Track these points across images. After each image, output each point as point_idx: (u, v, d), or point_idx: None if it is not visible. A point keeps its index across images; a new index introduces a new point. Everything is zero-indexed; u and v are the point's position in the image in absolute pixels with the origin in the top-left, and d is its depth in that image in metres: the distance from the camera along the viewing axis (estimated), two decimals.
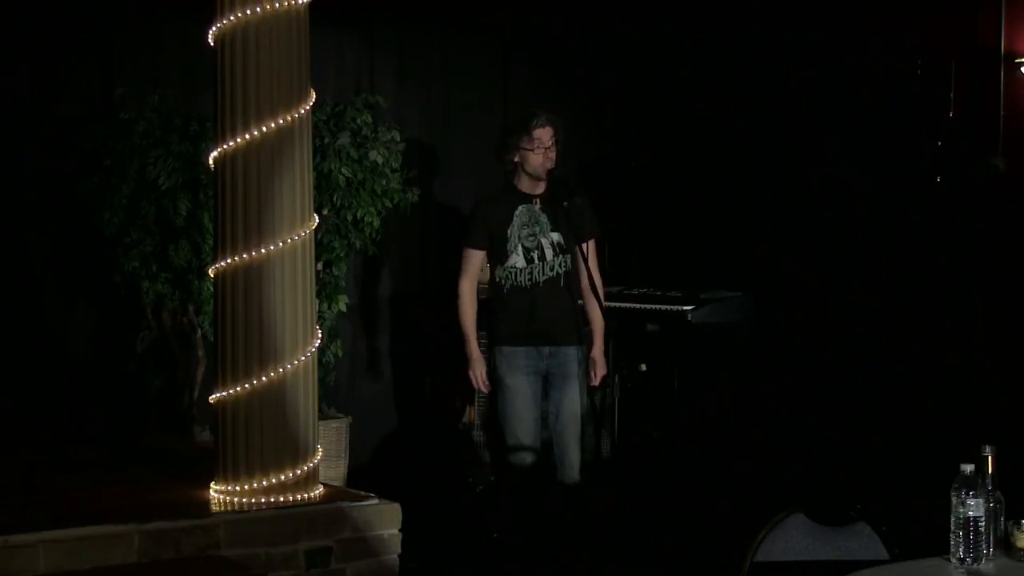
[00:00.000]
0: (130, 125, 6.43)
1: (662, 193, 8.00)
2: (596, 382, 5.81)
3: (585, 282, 5.75)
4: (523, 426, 5.64)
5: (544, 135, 5.65)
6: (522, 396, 5.66)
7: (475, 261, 5.75)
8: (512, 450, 5.65)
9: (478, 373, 5.71)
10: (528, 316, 5.67)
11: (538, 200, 5.73)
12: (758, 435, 6.86)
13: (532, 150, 5.64)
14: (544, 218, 5.72)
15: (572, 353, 5.74)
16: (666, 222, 7.97)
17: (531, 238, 5.69)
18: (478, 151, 7.69)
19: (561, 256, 5.71)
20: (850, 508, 3.52)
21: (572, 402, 5.75)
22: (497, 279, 5.72)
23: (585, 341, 5.82)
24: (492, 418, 6.21)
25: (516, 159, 5.70)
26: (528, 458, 5.65)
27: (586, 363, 5.76)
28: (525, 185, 5.73)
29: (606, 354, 5.93)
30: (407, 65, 7.76)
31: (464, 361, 5.75)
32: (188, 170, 6.38)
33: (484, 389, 5.76)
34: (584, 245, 5.69)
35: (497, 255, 5.71)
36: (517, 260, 5.68)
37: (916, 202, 6.69)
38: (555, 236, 5.71)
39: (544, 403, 5.77)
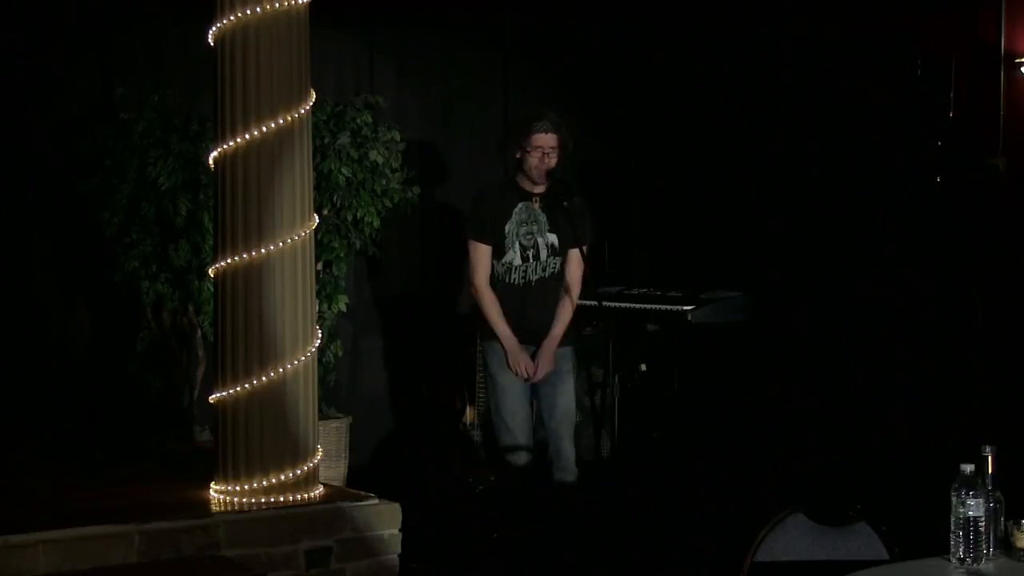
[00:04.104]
0: (130, 125, 6.43)
1: (662, 193, 8.00)
2: (526, 373, 5.67)
3: (565, 283, 5.74)
4: (516, 421, 5.64)
5: (545, 142, 5.62)
6: (512, 392, 5.66)
7: (484, 256, 5.70)
8: (507, 449, 5.65)
9: (521, 363, 5.63)
10: (519, 315, 5.67)
11: (538, 199, 5.73)
12: (758, 435, 6.86)
13: (531, 153, 5.63)
14: (543, 218, 5.71)
15: (564, 353, 5.75)
16: (666, 222, 7.97)
17: (528, 236, 5.69)
18: (478, 151, 7.70)
19: (555, 257, 5.72)
20: (850, 508, 3.52)
21: (566, 401, 5.75)
22: (495, 273, 5.72)
23: (577, 342, 5.82)
24: (490, 418, 6.20)
25: (518, 156, 5.69)
26: (523, 457, 5.65)
27: (575, 361, 5.75)
28: (526, 183, 5.73)
29: (606, 356, 5.93)
30: (407, 65, 7.76)
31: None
32: (188, 170, 6.38)
33: (526, 374, 5.64)
34: (574, 250, 5.69)
35: (496, 249, 5.71)
36: (513, 257, 5.68)
37: (916, 202, 6.69)
38: (552, 237, 5.71)
39: (536, 401, 5.77)
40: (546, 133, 5.61)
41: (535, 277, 5.69)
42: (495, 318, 5.66)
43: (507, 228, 5.67)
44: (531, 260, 5.69)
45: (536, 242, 5.69)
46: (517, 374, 5.67)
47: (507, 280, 5.69)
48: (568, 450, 5.74)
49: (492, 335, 5.70)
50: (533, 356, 5.70)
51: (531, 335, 5.70)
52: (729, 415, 7.01)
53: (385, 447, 7.62)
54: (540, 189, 5.71)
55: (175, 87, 6.76)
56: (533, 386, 5.73)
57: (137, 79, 6.80)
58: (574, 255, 5.74)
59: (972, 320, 6.36)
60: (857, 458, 6.43)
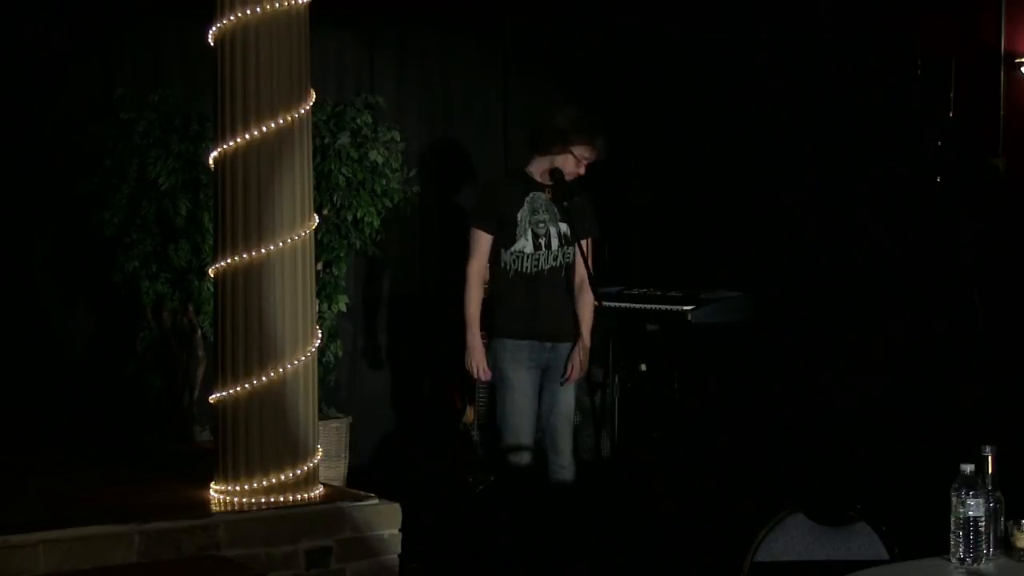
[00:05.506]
0: (130, 125, 6.43)
1: (662, 193, 8.00)
2: (569, 380, 5.72)
3: (579, 279, 5.75)
4: (523, 421, 5.63)
5: (595, 156, 5.70)
6: (523, 391, 5.65)
7: (485, 244, 5.68)
8: (510, 449, 5.65)
9: (478, 362, 5.64)
10: (532, 310, 5.65)
11: (549, 190, 5.74)
12: (758, 435, 6.86)
13: (577, 159, 5.66)
14: (554, 208, 5.72)
15: (570, 348, 5.74)
16: (666, 222, 7.97)
17: (541, 225, 5.68)
18: (478, 151, 7.70)
19: (566, 247, 5.71)
20: (850, 508, 3.52)
21: (569, 397, 5.76)
22: (503, 264, 5.70)
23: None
24: (490, 418, 6.19)
25: (554, 150, 5.68)
26: (526, 457, 5.65)
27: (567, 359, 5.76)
28: (540, 175, 5.74)
29: (606, 356, 5.92)
30: (407, 65, 7.76)
31: (462, 350, 5.71)
32: (188, 170, 6.39)
33: (484, 378, 5.70)
34: (583, 243, 5.71)
35: (505, 238, 5.67)
36: (525, 245, 5.67)
37: (916, 202, 6.69)
38: (563, 227, 5.72)
39: (539, 397, 5.76)
40: (598, 150, 5.70)
41: (547, 266, 5.68)
42: (471, 315, 5.65)
43: (519, 216, 5.67)
44: (543, 248, 5.68)
45: (548, 231, 5.69)
46: (470, 372, 5.68)
47: (519, 269, 5.67)
48: (567, 446, 5.75)
49: (504, 333, 5.68)
50: (547, 355, 5.70)
51: (543, 331, 5.66)
52: (729, 415, 7.02)
53: (385, 447, 7.62)
54: (550, 182, 5.74)
55: (175, 87, 6.77)
56: (540, 382, 5.72)
57: (137, 79, 6.80)
58: (585, 247, 5.74)
59: (972, 321, 6.36)
60: (857, 458, 6.43)
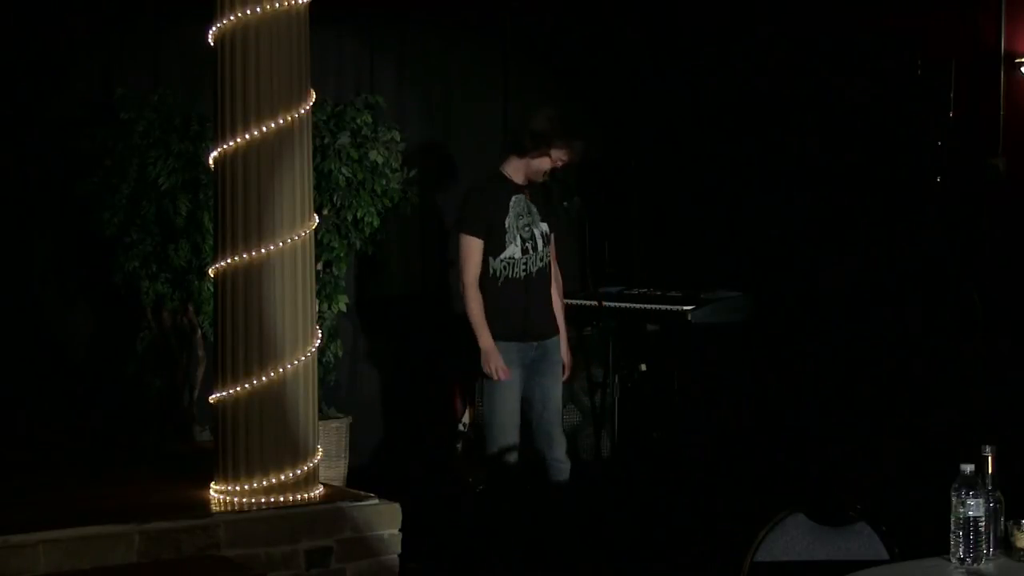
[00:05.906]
0: (130, 125, 6.43)
1: (662, 193, 8.00)
2: (497, 376, 5.75)
3: (553, 274, 5.88)
4: (512, 420, 5.66)
5: (572, 159, 5.74)
6: (513, 391, 5.68)
7: (478, 251, 5.69)
8: (502, 447, 5.66)
9: (496, 364, 5.61)
10: (524, 312, 5.68)
11: (528, 191, 5.77)
12: (758, 435, 6.86)
13: (551, 160, 5.68)
14: (535, 208, 5.77)
15: (555, 343, 5.83)
16: (666, 222, 7.96)
17: (527, 228, 5.73)
18: (478, 151, 7.69)
19: (548, 246, 5.80)
20: (850, 508, 3.52)
21: (558, 392, 5.83)
22: (491, 271, 5.70)
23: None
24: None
25: (533, 153, 5.70)
26: (515, 456, 5.67)
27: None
28: (519, 177, 5.76)
29: (606, 356, 5.96)
30: (407, 65, 7.76)
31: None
32: (188, 170, 6.39)
33: (504, 378, 5.64)
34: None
35: (493, 246, 5.70)
36: (514, 251, 5.70)
37: (916, 202, 6.69)
38: (544, 226, 5.79)
39: (529, 393, 5.76)
40: (576, 155, 5.73)
41: (535, 268, 5.74)
42: (478, 319, 5.64)
43: (507, 222, 5.69)
44: (531, 252, 5.72)
45: (533, 233, 5.74)
46: (489, 376, 5.65)
47: (510, 275, 5.69)
48: (562, 439, 5.82)
49: (494, 335, 5.68)
50: (534, 353, 5.71)
51: (532, 332, 5.72)
52: (729, 415, 7.02)
53: (385, 447, 7.62)
54: (527, 182, 5.78)
55: (175, 87, 6.77)
56: (527, 380, 5.73)
57: (137, 79, 6.80)
58: (552, 244, 5.87)
59: (972, 320, 6.36)
60: (857, 458, 6.43)
